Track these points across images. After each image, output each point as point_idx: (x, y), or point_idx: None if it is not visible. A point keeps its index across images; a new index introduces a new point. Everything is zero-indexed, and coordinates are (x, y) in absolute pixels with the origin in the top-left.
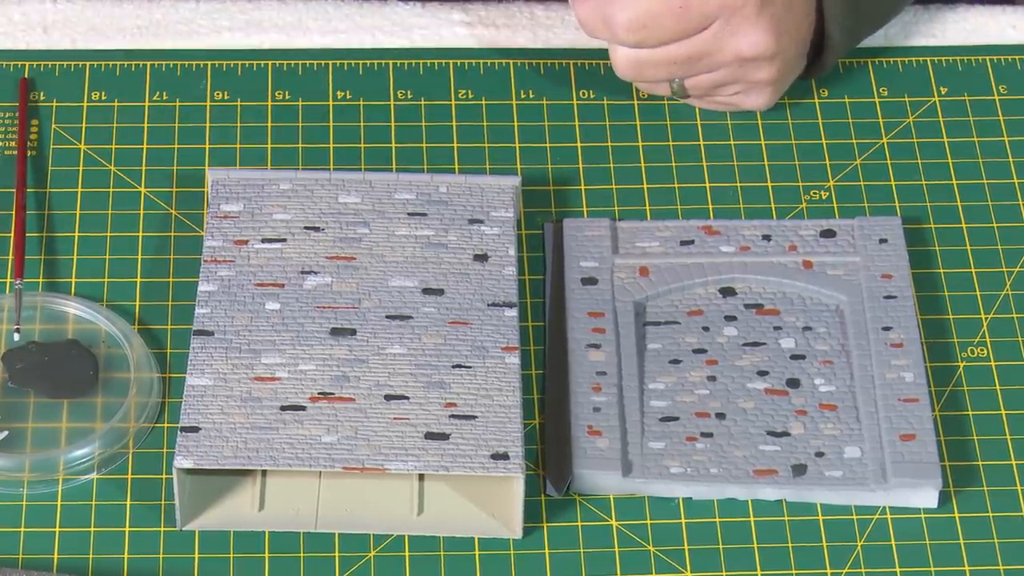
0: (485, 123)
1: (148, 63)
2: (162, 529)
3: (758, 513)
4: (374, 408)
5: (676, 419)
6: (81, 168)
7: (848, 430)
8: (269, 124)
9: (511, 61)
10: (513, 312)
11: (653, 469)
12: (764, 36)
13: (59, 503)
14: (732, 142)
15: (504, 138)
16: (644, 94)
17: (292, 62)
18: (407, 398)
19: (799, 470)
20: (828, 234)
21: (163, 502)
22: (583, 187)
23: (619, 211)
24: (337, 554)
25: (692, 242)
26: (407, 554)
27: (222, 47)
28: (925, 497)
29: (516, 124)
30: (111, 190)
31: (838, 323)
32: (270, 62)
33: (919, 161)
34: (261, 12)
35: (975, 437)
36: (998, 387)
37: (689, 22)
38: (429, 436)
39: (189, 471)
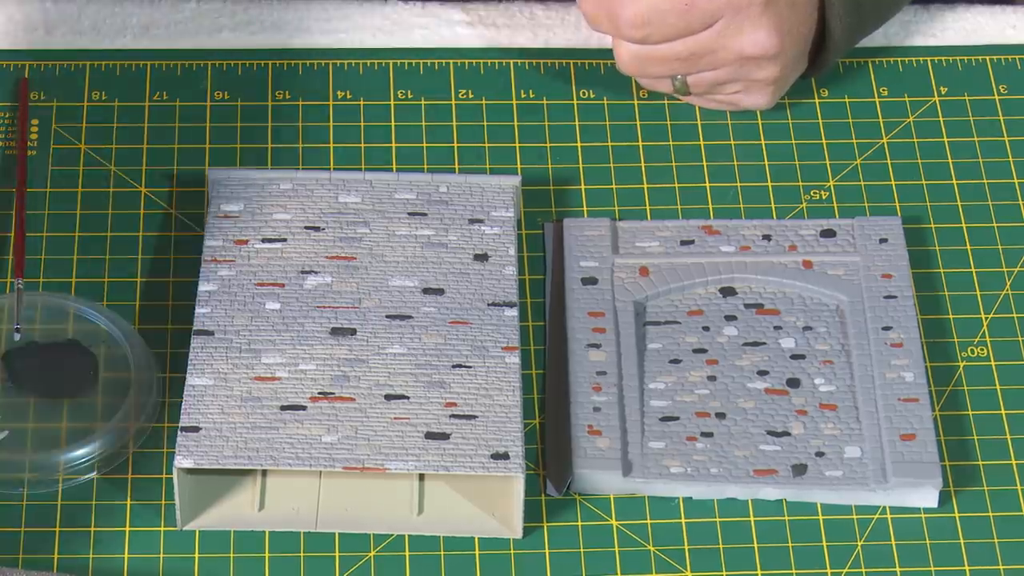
0: (485, 123)
1: (148, 63)
2: (162, 529)
3: (758, 513)
4: (374, 408)
5: (676, 419)
6: (81, 168)
7: (848, 430)
8: (269, 124)
9: (511, 61)
10: (513, 312)
11: (653, 469)
12: (767, 35)
13: (59, 503)
14: (732, 142)
15: (504, 138)
16: (644, 93)
17: (292, 62)
18: (407, 398)
19: (799, 470)
20: (828, 234)
21: (163, 502)
22: (583, 187)
23: (619, 211)
24: (337, 554)
25: (692, 242)
26: (407, 554)
27: (222, 47)
28: (925, 497)
29: (516, 124)
30: (111, 190)
31: (838, 323)
32: (270, 62)
33: (919, 161)
34: (261, 12)
35: (975, 437)
36: (998, 387)
37: (693, 19)
38: (429, 436)
39: (189, 471)
